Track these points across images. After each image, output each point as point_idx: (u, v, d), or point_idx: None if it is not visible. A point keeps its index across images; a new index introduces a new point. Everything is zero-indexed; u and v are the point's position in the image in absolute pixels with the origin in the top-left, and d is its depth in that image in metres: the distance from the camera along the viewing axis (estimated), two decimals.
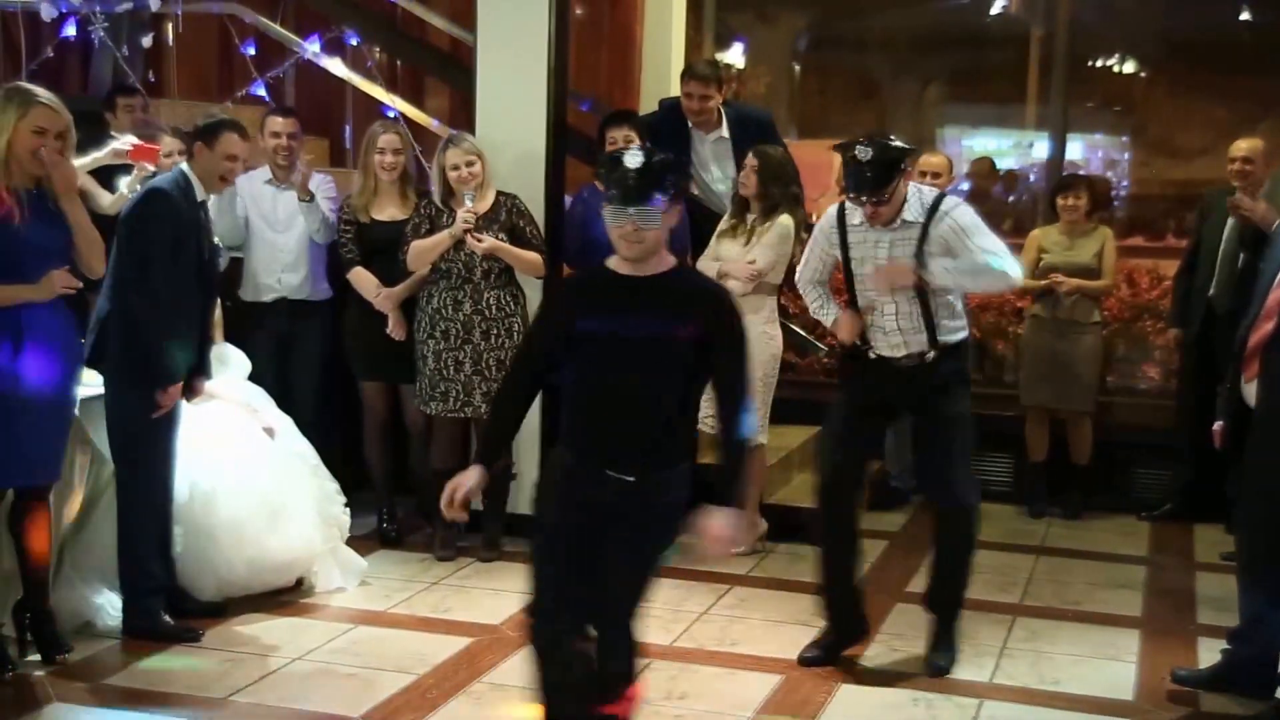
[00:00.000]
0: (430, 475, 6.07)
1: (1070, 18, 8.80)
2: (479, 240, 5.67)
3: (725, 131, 6.59)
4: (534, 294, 6.00)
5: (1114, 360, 7.69)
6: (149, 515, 4.89)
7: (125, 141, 5.49)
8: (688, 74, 6.59)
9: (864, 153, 4.41)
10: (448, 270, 5.78)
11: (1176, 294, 6.89)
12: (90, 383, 4.78)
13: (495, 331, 5.79)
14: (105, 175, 5.95)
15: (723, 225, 6.13)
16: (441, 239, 5.73)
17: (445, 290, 5.79)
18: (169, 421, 4.90)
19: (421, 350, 5.84)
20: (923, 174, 6.76)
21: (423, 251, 5.76)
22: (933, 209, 4.59)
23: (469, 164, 5.71)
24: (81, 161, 5.28)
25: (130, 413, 4.78)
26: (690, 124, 6.57)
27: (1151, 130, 10.00)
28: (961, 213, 4.64)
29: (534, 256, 5.81)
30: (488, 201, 5.79)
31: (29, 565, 4.58)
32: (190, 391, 4.95)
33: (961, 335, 4.73)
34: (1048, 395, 6.83)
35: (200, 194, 4.85)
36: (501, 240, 5.72)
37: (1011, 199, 9.92)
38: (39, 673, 4.50)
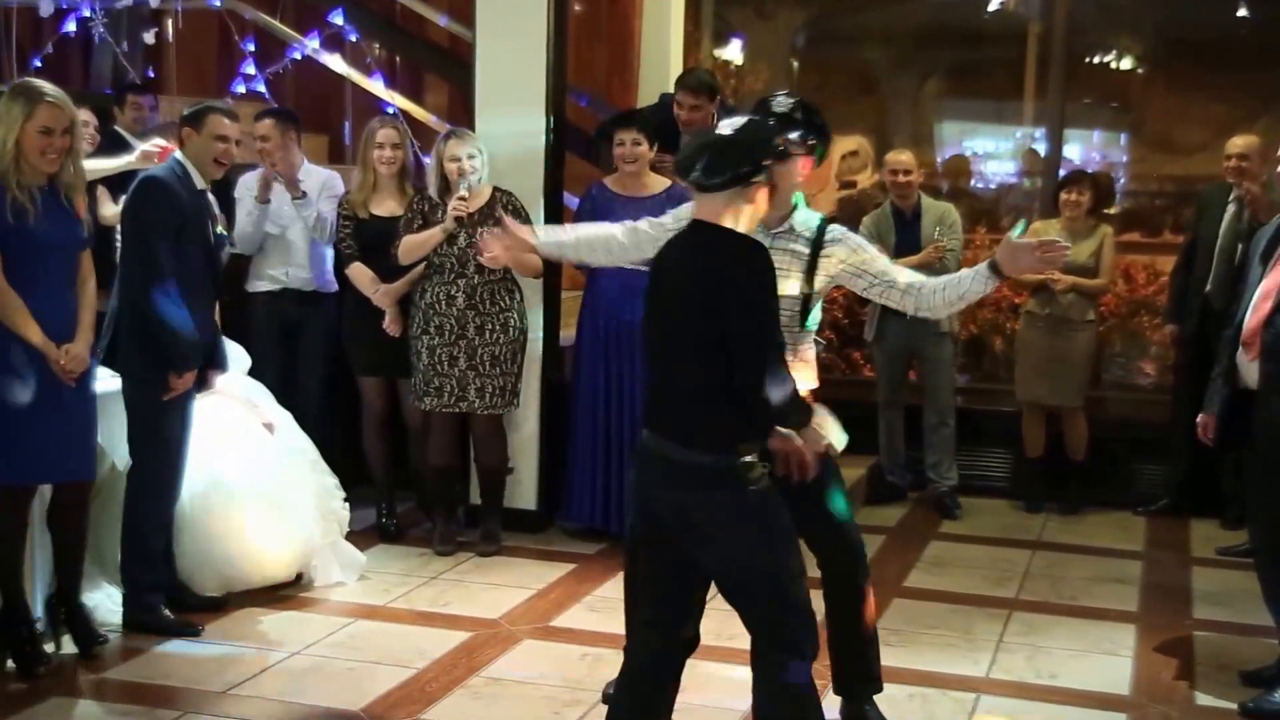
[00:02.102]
0: (429, 472, 6.09)
1: (1068, 14, 8.80)
2: (495, 258, 5.66)
3: None
4: (530, 293, 6.02)
5: (1110, 356, 7.71)
6: (160, 510, 4.92)
7: (154, 144, 5.42)
8: (679, 82, 6.56)
9: (783, 104, 3.95)
10: (440, 265, 5.77)
11: (1173, 290, 6.91)
12: (99, 378, 4.77)
13: (490, 326, 5.78)
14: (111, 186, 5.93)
15: None
16: (433, 234, 5.71)
17: (439, 285, 5.78)
18: (183, 417, 4.91)
19: (416, 346, 5.83)
20: (893, 173, 6.81)
21: (414, 246, 5.75)
22: (821, 229, 3.87)
23: (470, 156, 5.70)
24: (110, 164, 5.27)
25: (147, 406, 4.79)
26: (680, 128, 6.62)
27: (1149, 126, 9.99)
28: (854, 237, 3.96)
29: (534, 257, 5.82)
30: (484, 197, 5.79)
31: (63, 560, 4.63)
32: (203, 383, 4.96)
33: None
34: (1042, 391, 6.85)
35: (199, 182, 4.84)
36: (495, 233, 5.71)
37: (1006, 195, 9.93)
38: (40, 667, 4.50)
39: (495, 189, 5.84)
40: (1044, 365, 6.82)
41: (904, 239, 6.74)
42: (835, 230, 3.90)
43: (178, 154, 4.88)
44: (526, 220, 5.86)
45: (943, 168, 9.15)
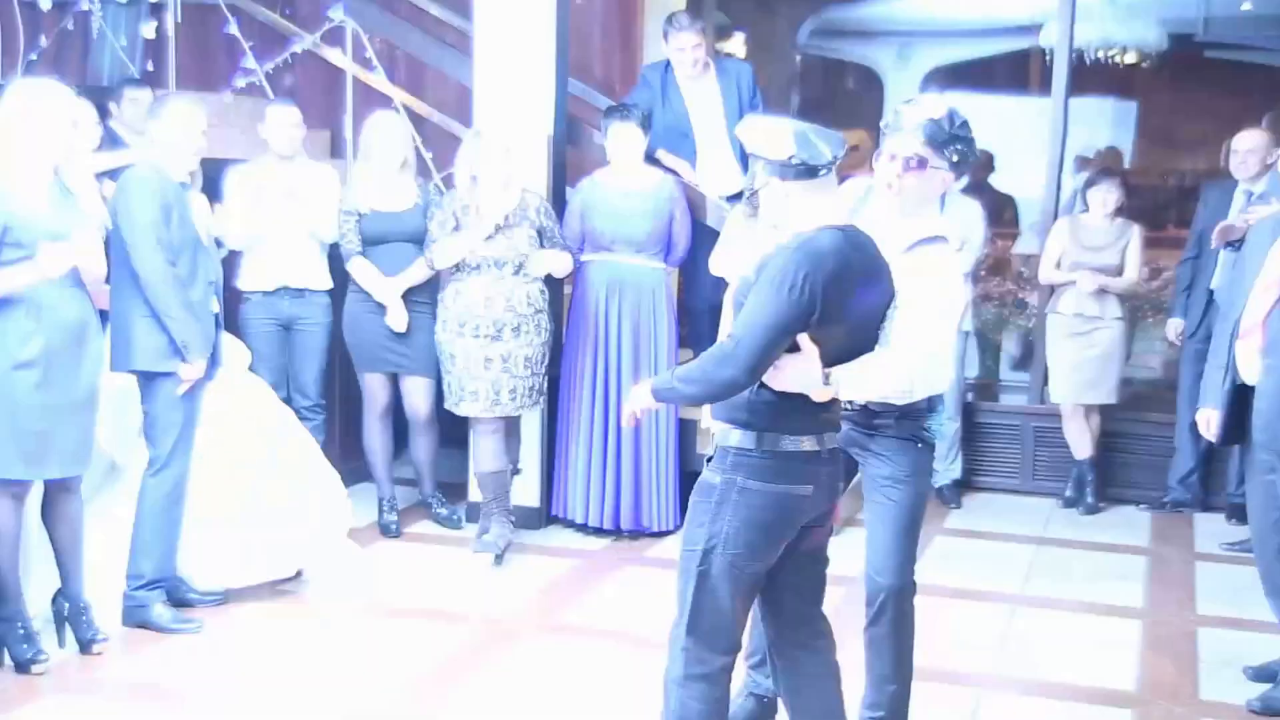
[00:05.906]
0: (481, 479, 5.93)
1: (1073, 9, 8.77)
2: (538, 266, 5.68)
3: (714, 73, 6.68)
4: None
5: None
6: (173, 507, 4.90)
7: None
8: (675, 27, 6.52)
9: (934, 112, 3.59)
10: (476, 266, 5.71)
11: (1178, 285, 6.89)
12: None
13: (525, 328, 5.70)
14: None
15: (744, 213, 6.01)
16: (470, 236, 5.64)
17: (475, 288, 5.70)
18: (194, 410, 4.88)
19: (448, 349, 5.72)
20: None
21: (450, 249, 5.67)
22: None
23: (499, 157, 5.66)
24: (113, 158, 5.24)
25: (163, 399, 4.77)
26: (678, 81, 6.58)
27: (1153, 121, 10.00)
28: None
29: (568, 257, 5.83)
30: (514, 197, 5.73)
31: (62, 556, 4.60)
32: (209, 372, 4.92)
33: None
34: (1080, 391, 6.82)
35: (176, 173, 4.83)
36: (532, 240, 5.70)
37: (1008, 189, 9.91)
38: (38, 665, 4.46)
39: (524, 190, 5.79)
40: (1079, 366, 6.79)
41: None
42: None
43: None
44: (556, 220, 5.85)
45: None
